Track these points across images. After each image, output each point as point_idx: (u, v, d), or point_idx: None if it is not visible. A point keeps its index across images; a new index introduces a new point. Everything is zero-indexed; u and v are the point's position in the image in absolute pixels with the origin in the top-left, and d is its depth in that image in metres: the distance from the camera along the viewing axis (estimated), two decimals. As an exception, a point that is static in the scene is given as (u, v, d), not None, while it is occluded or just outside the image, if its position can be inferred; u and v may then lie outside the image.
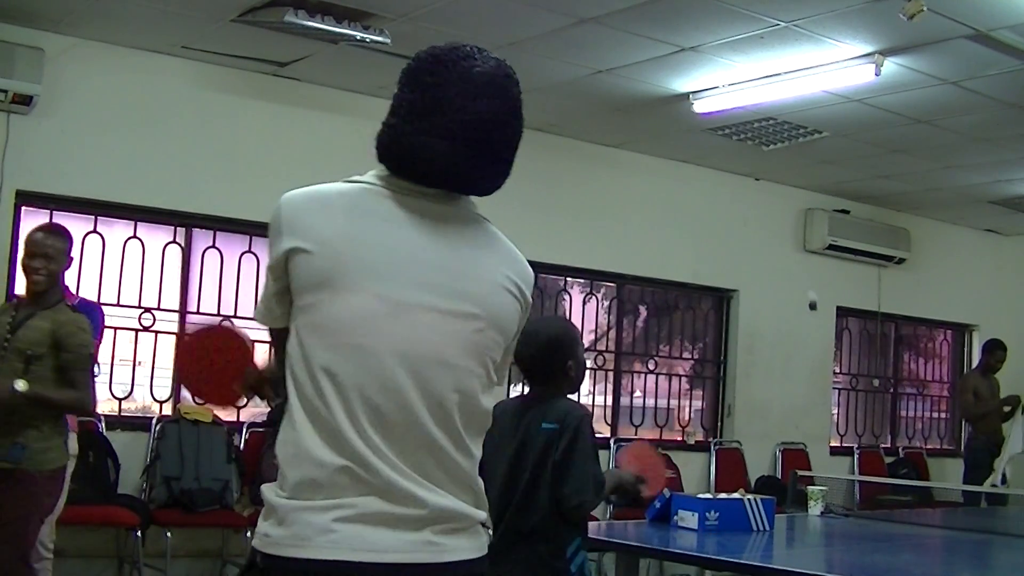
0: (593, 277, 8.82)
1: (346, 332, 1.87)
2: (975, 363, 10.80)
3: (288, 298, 1.94)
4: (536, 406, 3.39)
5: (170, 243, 6.95)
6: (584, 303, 8.78)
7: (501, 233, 2.09)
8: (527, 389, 3.52)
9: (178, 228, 6.98)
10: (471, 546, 1.96)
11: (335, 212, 1.92)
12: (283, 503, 1.88)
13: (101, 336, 5.19)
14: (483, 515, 1.98)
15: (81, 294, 6.52)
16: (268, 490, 1.93)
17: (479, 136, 1.92)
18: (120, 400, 6.87)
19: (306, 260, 1.89)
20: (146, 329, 6.89)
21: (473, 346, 1.95)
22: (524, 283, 2.08)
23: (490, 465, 3.25)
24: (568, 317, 8.73)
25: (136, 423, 6.76)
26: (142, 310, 6.86)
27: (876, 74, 6.06)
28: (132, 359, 6.88)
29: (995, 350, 9.38)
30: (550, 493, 3.25)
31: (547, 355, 3.39)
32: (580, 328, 8.77)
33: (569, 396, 3.53)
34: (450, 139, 1.90)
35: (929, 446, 10.86)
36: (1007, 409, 9.11)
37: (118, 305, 6.81)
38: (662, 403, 9.20)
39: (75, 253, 6.57)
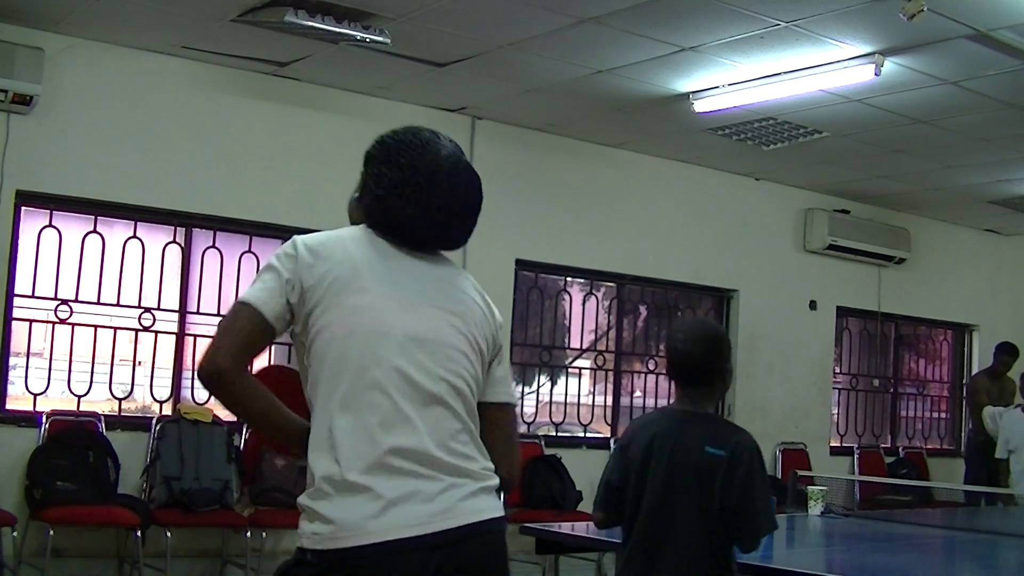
0: (593, 277, 8.82)
1: (365, 319, 2.17)
2: (975, 363, 10.82)
3: (289, 311, 2.19)
4: (695, 425, 3.18)
5: (170, 243, 6.94)
6: (584, 303, 8.78)
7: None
8: (676, 398, 3.29)
9: (178, 228, 6.98)
10: (497, 505, 2.23)
11: (347, 242, 2.27)
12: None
13: None
14: (496, 479, 2.26)
15: (81, 295, 6.54)
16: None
17: (459, 208, 2.34)
18: (120, 400, 6.87)
19: (327, 274, 2.21)
20: (146, 329, 6.88)
21: (467, 340, 2.29)
22: (493, 316, 2.41)
23: (633, 483, 3.21)
24: (568, 317, 8.74)
25: (136, 423, 6.76)
26: (142, 310, 6.86)
27: (876, 74, 6.06)
28: (132, 359, 6.88)
29: (1003, 354, 9.38)
30: (705, 522, 3.07)
31: (710, 353, 3.21)
32: (580, 328, 8.84)
33: (727, 419, 3.30)
34: (436, 211, 2.29)
35: (929, 446, 10.86)
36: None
37: (118, 305, 6.81)
38: (662, 403, 9.19)
39: (74, 253, 6.65)
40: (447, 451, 2.17)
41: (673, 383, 3.30)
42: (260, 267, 2.29)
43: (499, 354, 2.39)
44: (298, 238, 2.25)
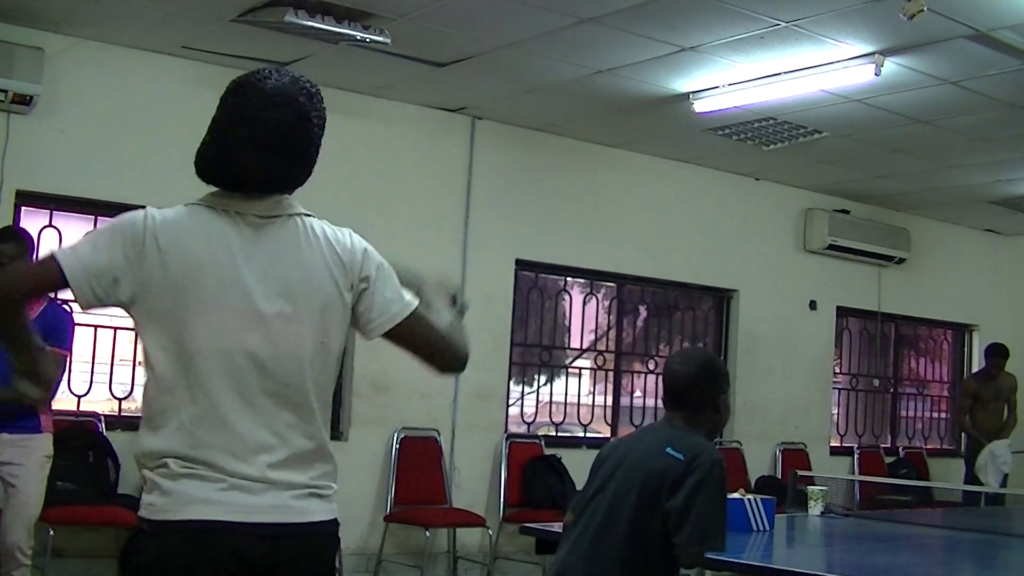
0: (593, 277, 8.82)
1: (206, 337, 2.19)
2: (975, 363, 10.82)
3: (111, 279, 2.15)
4: (666, 432, 3.17)
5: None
6: (584, 303, 8.78)
7: (320, 223, 2.34)
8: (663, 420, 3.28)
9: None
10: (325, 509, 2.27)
11: (189, 238, 2.22)
12: None
13: (71, 343, 5.06)
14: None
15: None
16: None
17: (273, 140, 2.23)
18: (120, 400, 6.88)
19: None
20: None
21: (308, 326, 2.25)
22: (345, 261, 2.31)
23: (596, 475, 3.21)
24: (568, 317, 8.74)
25: (136, 423, 6.71)
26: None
27: (876, 74, 6.06)
28: (132, 359, 6.88)
29: (993, 356, 9.41)
30: (645, 524, 3.04)
31: (703, 377, 3.23)
32: (580, 328, 8.83)
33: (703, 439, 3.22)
34: (250, 146, 2.21)
35: (929, 446, 10.86)
36: None
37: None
38: (662, 403, 9.19)
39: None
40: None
41: (665, 404, 3.31)
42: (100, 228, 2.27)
43: (369, 281, 2.32)
44: (149, 221, 2.20)
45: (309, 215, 2.33)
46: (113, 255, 2.16)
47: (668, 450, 3.08)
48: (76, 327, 5.26)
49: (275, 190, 2.28)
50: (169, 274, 2.16)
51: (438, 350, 2.40)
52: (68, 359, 4.89)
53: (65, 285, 2.13)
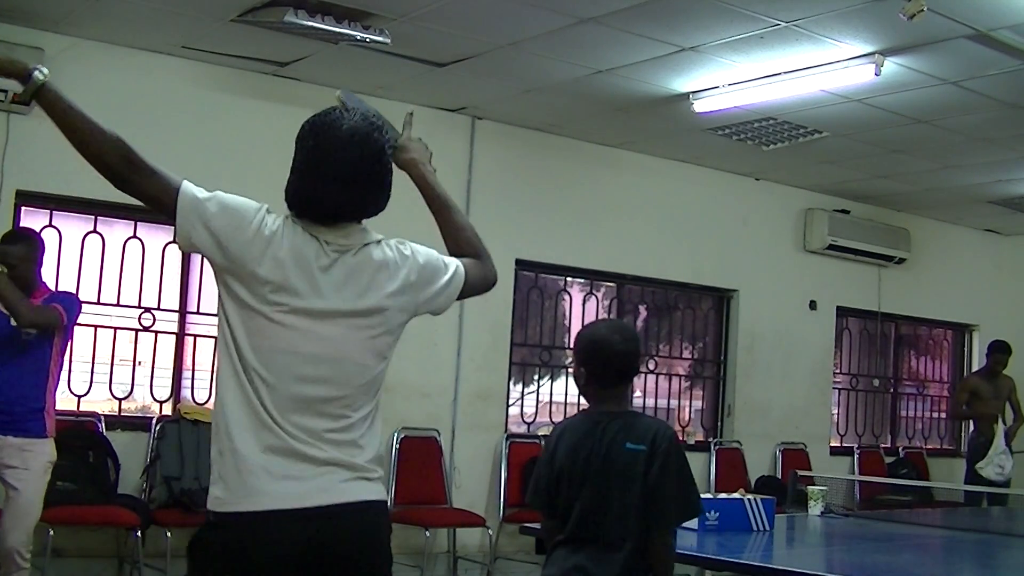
0: (593, 277, 8.82)
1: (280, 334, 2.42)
2: (975, 362, 10.82)
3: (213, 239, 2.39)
4: (615, 423, 3.13)
5: (170, 243, 6.93)
6: (584, 303, 8.78)
7: (391, 244, 2.58)
8: (594, 400, 3.23)
9: (178, 228, 6.97)
10: (374, 489, 2.47)
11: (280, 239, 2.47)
12: None
13: (73, 322, 5.13)
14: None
15: (81, 295, 6.54)
16: None
17: (352, 176, 2.44)
18: (120, 400, 6.88)
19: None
20: (146, 329, 6.89)
21: (377, 331, 2.51)
22: (413, 274, 2.57)
23: (566, 487, 3.18)
24: (568, 316, 8.74)
25: (136, 423, 6.76)
26: (142, 310, 6.86)
27: (876, 74, 6.06)
28: (132, 359, 6.88)
29: (995, 352, 9.37)
30: (635, 520, 3.03)
31: (638, 350, 3.30)
32: (580, 328, 8.81)
33: (646, 414, 3.29)
34: (332, 182, 2.43)
35: (929, 446, 10.86)
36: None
37: (118, 305, 6.82)
38: (662, 403, 9.21)
39: (74, 253, 6.65)
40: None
41: (597, 387, 3.20)
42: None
43: (429, 276, 2.59)
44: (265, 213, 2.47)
45: (381, 239, 2.57)
46: None
47: (627, 446, 3.06)
48: (82, 327, 5.34)
49: (360, 217, 2.53)
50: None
51: (482, 274, 2.76)
52: (62, 319, 4.97)
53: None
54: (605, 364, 3.20)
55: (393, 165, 2.60)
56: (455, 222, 2.82)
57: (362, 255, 2.48)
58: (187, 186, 2.41)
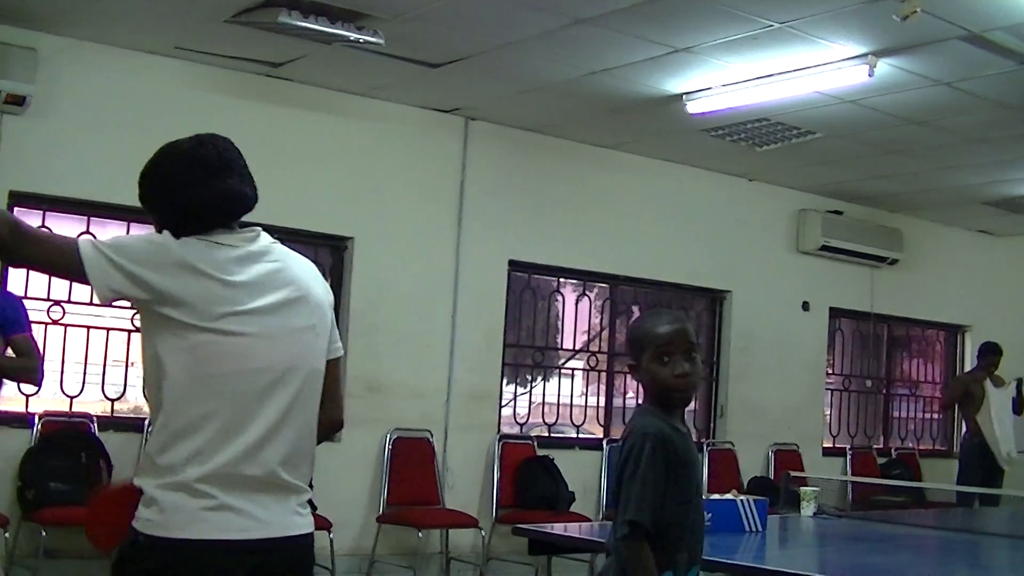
0: (586, 278, 8.82)
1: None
2: (967, 364, 10.83)
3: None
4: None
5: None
6: (577, 304, 8.78)
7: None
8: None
9: (171, 228, 6.95)
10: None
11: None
12: None
13: (29, 324, 4.72)
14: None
15: (74, 296, 6.53)
16: None
17: (232, 161, 2.54)
18: (112, 401, 6.87)
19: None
20: (138, 330, 6.85)
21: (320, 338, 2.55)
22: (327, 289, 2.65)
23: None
24: (561, 317, 8.74)
25: (128, 424, 6.75)
26: (135, 311, 6.84)
27: (870, 75, 6.07)
28: (124, 360, 6.87)
29: (987, 354, 9.41)
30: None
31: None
32: (573, 329, 8.83)
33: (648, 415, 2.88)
34: (219, 173, 2.46)
35: (922, 447, 10.88)
36: None
37: (110, 306, 6.79)
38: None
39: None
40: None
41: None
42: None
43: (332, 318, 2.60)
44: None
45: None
46: None
47: (618, 445, 3.00)
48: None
49: (250, 208, 2.53)
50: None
51: (336, 399, 2.61)
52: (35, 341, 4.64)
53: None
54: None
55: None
56: None
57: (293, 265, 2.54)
58: (84, 239, 2.35)
